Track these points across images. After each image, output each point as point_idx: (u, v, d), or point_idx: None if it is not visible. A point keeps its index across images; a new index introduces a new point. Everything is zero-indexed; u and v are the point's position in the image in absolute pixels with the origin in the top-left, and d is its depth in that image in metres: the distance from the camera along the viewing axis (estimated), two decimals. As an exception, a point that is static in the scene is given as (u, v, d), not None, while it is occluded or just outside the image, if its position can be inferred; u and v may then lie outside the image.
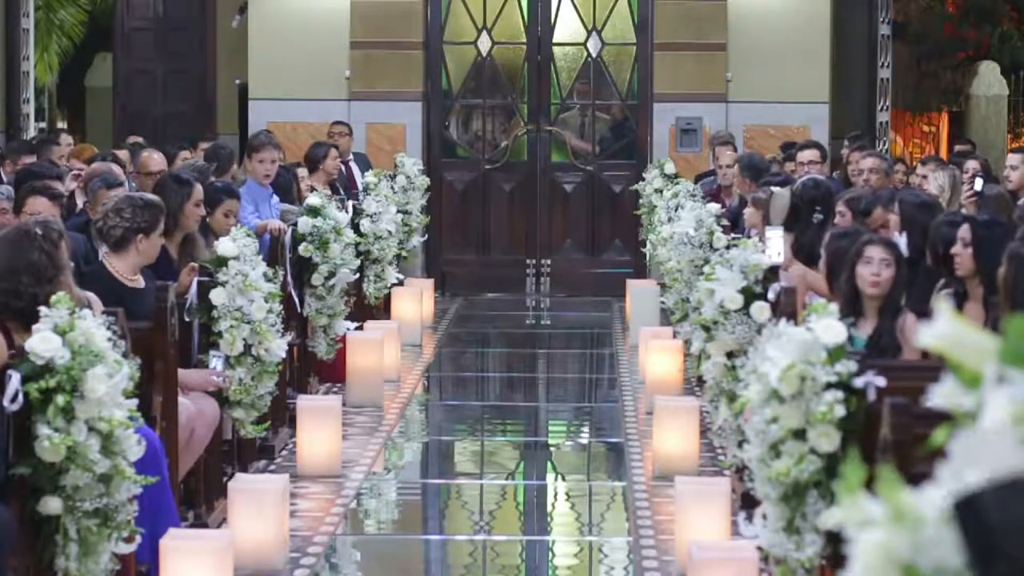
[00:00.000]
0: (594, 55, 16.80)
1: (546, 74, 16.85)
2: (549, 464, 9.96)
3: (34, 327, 5.33)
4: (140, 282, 7.68)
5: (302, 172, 12.96)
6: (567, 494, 9.26)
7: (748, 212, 10.25)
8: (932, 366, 5.65)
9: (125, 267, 7.64)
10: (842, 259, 7.26)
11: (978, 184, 9.76)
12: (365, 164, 15.17)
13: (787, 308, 7.35)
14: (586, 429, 10.88)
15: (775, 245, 8.58)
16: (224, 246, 8.03)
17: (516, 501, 9.09)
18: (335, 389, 10.99)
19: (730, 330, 7.90)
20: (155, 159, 10.92)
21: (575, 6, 16.80)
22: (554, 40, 16.83)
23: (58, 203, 8.75)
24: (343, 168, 14.52)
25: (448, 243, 16.85)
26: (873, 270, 7.08)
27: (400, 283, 13.63)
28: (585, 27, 16.80)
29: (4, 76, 17.09)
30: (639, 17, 16.67)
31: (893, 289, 7.09)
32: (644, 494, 8.59)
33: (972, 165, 11.13)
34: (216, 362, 7.78)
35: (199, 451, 7.59)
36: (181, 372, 7.57)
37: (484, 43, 16.82)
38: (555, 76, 16.86)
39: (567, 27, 16.86)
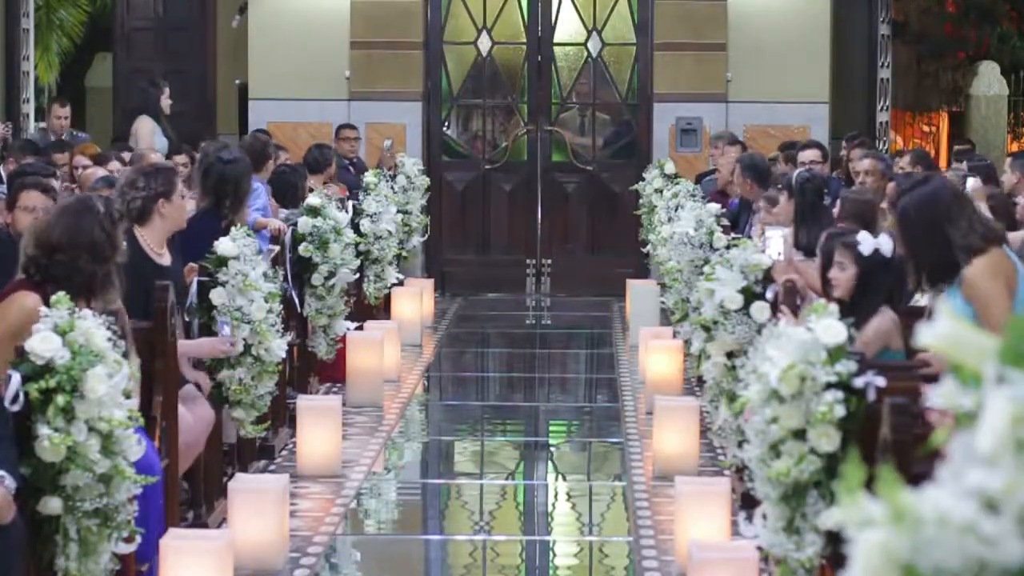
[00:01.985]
0: (594, 55, 16.79)
1: (546, 74, 16.84)
2: (549, 464, 9.96)
3: (34, 327, 5.32)
4: (167, 258, 7.69)
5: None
6: (567, 494, 9.25)
7: (761, 212, 10.27)
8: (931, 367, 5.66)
9: (153, 238, 7.66)
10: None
11: (970, 184, 9.75)
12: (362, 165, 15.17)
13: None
14: (586, 429, 10.87)
15: (775, 245, 8.58)
16: (224, 246, 8.02)
17: (516, 501, 9.08)
18: (335, 389, 10.99)
19: (730, 330, 7.89)
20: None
21: (575, 6, 16.79)
22: (554, 40, 16.82)
23: (51, 196, 8.70)
24: (351, 168, 14.54)
25: (448, 243, 16.84)
26: (831, 273, 7.09)
27: (400, 283, 13.62)
28: (585, 27, 16.79)
29: (4, 76, 17.08)
30: (639, 17, 16.66)
31: (856, 291, 6.95)
32: (644, 494, 8.59)
33: (966, 166, 11.19)
34: (224, 327, 7.75)
35: (193, 456, 7.57)
36: (188, 344, 7.56)
37: (484, 43, 16.81)
38: (555, 76, 16.85)
39: (567, 27, 16.85)
